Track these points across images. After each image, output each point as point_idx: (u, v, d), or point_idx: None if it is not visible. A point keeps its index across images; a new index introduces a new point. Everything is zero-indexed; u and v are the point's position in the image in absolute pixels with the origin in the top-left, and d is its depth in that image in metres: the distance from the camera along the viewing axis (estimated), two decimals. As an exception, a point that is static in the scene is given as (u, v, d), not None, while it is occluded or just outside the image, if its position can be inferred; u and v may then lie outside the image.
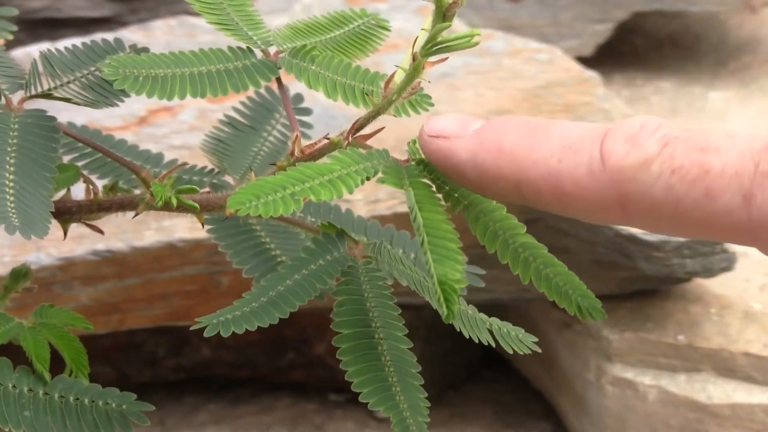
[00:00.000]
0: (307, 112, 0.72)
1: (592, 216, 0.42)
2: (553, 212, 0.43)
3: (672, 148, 0.39)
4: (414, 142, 0.54)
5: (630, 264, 1.51)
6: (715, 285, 1.60)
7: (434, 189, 0.51)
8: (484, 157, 0.43)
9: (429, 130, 0.45)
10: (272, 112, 0.73)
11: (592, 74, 1.74)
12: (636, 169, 0.39)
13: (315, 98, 0.68)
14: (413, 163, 0.53)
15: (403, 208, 1.47)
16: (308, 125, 0.70)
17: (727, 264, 1.51)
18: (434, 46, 0.51)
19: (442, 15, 0.52)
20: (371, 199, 1.50)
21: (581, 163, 0.40)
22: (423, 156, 0.50)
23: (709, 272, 1.52)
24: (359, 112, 0.58)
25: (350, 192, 0.50)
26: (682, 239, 1.48)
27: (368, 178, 0.52)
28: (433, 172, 0.52)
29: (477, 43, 0.51)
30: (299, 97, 0.73)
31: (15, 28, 0.67)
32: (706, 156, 0.38)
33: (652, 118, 0.41)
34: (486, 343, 0.58)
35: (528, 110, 1.68)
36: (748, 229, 0.37)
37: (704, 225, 0.38)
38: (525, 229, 0.52)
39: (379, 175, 0.52)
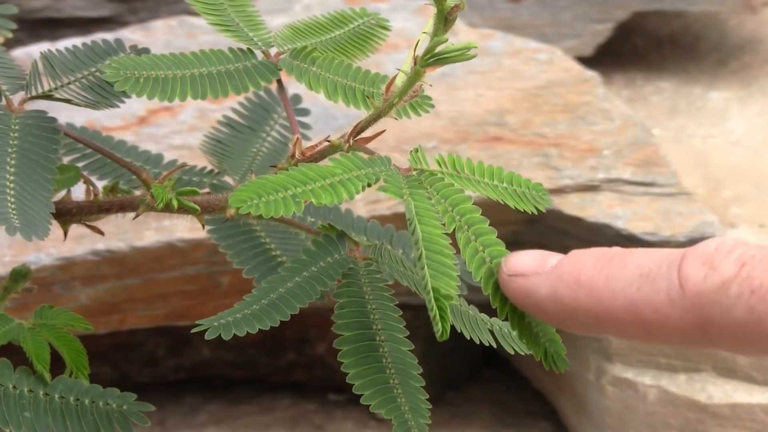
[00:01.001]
0: (306, 112, 0.72)
1: (675, 342, 0.42)
2: (637, 341, 0.43)
3: (750, 268, 0.39)
4: (416, 151, 0.54)
5: (630, 264, 1.51)
6: (715, 285, 1.60)
7: (433, 203, 0.52)
8: (564, 292, 0.43)
9: (508, 269, 0.46)
10: (270, 112, 0.73)
11: (592, 74, 1.74)
12: (715, 292, 0.39)
13: (315, 98, 0.68)
14: (414, 173, 0.53)
15: (403, 208, 1.47)
16: (307, 126, 0.70)
17: (727, 264, 1.51)
18: (432, 58, 0.52)
19: (444, 19, 0.52)
20: (371, 199, 1.50)
21: (660, 290, 0.41)
22: (505, 294, 0.49)
23: (709, 272, 1.52)
24: (359, 111, 0.58)
25: (351, 197, 0.50)
26: (681, 239, 1.48)
27: (369, 185, 0.52)
28: (433, 185, 0.53)
29: (474, 56, 0.52)
30: (297, 98, 0.73)
31: (14, 26, 0.67)
32: None
33: (727, 239, 0.41)
34: (487, 344, 0.58)
35: (528, 110, 1.68)
36: None
37: None
38: None
39: (381, 183, 0.52)
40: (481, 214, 0.52)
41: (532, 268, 0.45)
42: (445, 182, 0.53)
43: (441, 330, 0.47)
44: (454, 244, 0.50)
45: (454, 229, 0.51)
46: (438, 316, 0.47)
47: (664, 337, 0.41)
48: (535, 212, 0.55)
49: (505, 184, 0.55)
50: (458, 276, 0.64)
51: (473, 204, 0.52)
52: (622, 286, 0.42)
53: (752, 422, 1.50)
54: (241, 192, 0.49)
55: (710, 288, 0.39)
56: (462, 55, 0.52)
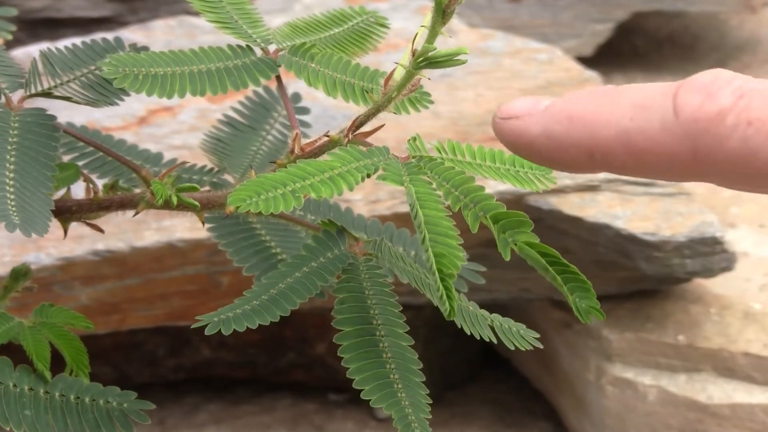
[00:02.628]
0: (305, 111, 0.72)
1: (665, 172, 0.41)
2: (627, 173, 0.43)
3: (748, 99, 0.38)
4: (414, 140, 0.54)
5: (630, 264, 1.51)
6: (715, 285, 1.60)
7: (434, 186, 0.51)
8: (556, 128, 0.43)
9: (501, 114, 0.45)
10: (270, 111, 0.73)
11: (592, 74, 1.75)
12: (710, 121, 0.39)
13: (315, 98, 0.68)
14: (413, 160, 0.53)
15: (403, 208, 1.47)
16: (306, 124, 0.70)
17: (727, 264, 1.51)
18: (424, 62, 0.52)
19: (442, 12, 0.52)
20: (371, 199, 1.50)
21: (654, 118, 0.40)
22: (498, 139, 0.49)
23: (709, 272, 1.52)
24: (359, 111, 0.58)
25: (350, 189, 0.50)
26: (681, 239, 1.48)
27: (369, 176, 0.52)
28: (433, 170, 0.52)
29: (465, 62, 0.52)
30: (297, 96, 0.73)
31: (14, 28, 0.67)
32: None
33: (725, 70, 0.40)
34: (487, 340, 0.58)
35: (528, 110, 1.68)
36: None
37: None
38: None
39: (380, 172, 0.52)
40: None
41: (525, 110, 0.45)
42: (446, 166, 0.53)
43: (449, 309, 0.47)
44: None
45: (460, 209, 0.51)
46: (445, 296, 0.47)
47: (655, 166, 0.41)
48: (540, 191, 0.55)
49: (507, 166, 0.55)
50: (458, 274, 0.64)
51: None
52: (615, 118, 0.41)
53: (752, 422, 1.50)
54: (240, 191, 0.49)
55: (706, 116, 0.39)
56: (452, 60, 0.52)
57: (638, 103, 0.41)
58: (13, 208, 0.54)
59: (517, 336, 0.59)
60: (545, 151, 0.43)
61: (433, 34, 0.53)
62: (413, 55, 0.53)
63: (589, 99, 0.42)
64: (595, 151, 0.42)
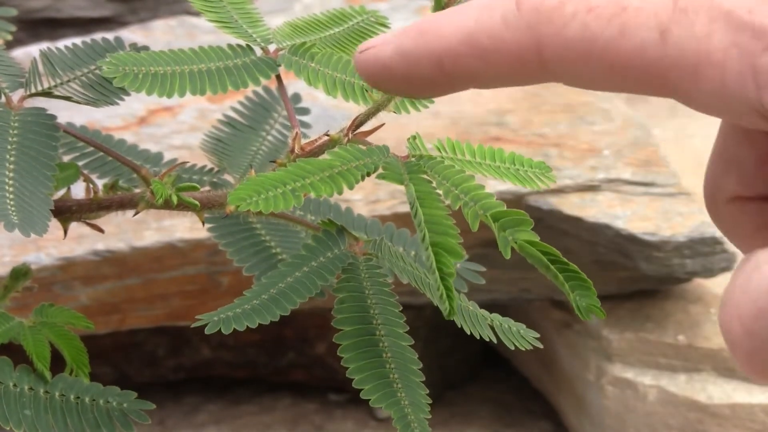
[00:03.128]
0: (305, 111, 0.72)
1: (514, 74, 0.40)
2: (479, 83, 0.41)
3: None
4: (414, 138, 0.54)
5: (630, 264, 1.51)
6: (715, 285, 1.60)
7: (434, 185, 0.51)
8: (407, 42, 0.42)
9: (359, 49, 0.45)
10: (270, 111, 0.73)
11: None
12: (552, 9, 0.37)
13: (315, 98, 0.68)
14: (414, 159, 0.53)
15: (403, 208, 1.48)
16: (306, 125, 0.70)
17: (727, 264, 1.51)
18: None
19: (442, 9, 0.52)
20: (371, 199, 1.50)
21: (497, 15, 0.39)
22: (361, 79, 0.48)
23: (709, 272, 1.52)
24: (359, 111, 0.58)
25: (350, 188, 0.50)
26: (681, 239, 1.48)
27: (368, 174, 0.52)
28: (433, 168, 0.52)
29: None
30: (297, 97, 0.73)
31: (14, 28, 0.67)
32: None
33: None
34: (487, 339, 0.58)
35: (528, 110, 1.68)
36: (662, 69, 0.36)
37: (619, 68, 0.36)
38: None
39: (380, 171, 0.52)
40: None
41: (380, 39, 0.44)
42: (446, 165, 0.53)
43: (448, 309, 0.47)
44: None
45: (460, 208, 0.51)
46: (445, 295, 0.47)
47: (502, 67, 0.39)
48: (540, 189, 0.55)
49: (507, 164, 0.55)
50: (458, 274, 0.64)
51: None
52: (462, 21, 0.40)
53: (752, 422, 1.50)
54: (240, 190, 0.49)
55: (547, 6, 0.37)
56: None
57: (485, 4, 0.40)
58: (13, 208, 0.54)
59: (517, 336, 0.59)
60: (399, 70, 0.42)
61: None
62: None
63: (442, 12, 0.41)
64: (444, 58, 0.40)
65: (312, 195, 0.49)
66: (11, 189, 0.55)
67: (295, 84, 0.64)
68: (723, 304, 0.35)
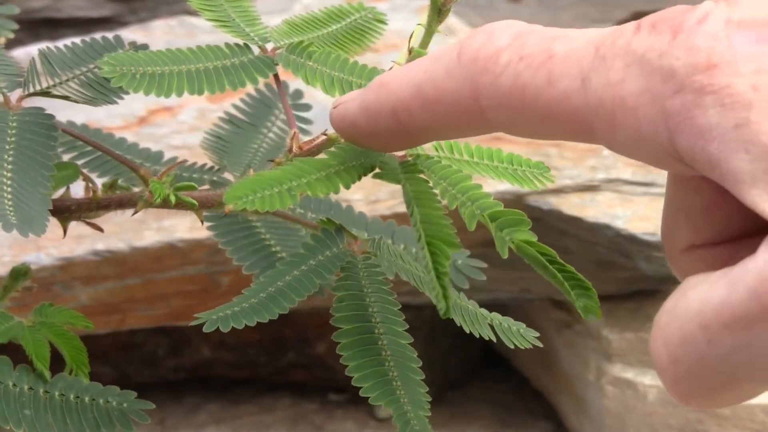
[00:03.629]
0: (307, 107, 0.72)
1: (458, 123, 0.40)
2: (433, 134, 0.42)
3: (524, 38, 0.38)
4: None
5: (630, 264, 1.51)
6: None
7: (431, 184, 0.51)
8: (369, 97, 0.42)
9: (332, 104, 0.45)
10: (271, 108, 0.73)
11: (591, 74, 1.74)
12: (487, 59, 0.38)
13: (314, 97, 0.68)
14: (410, 158, 0.53)
15: (404, 208, 1.47)
16: (308, 121, 0.70)
17: (727, 263, 1.51)
18: None
19: (438, 10, 0.52)
20: (371, 199, 1.50)
21: (441, 65, 0.39)
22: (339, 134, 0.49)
23: (709, 272, 1.52)
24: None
25: (347, 187, 0.50)
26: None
27: (365, 174, 0.52)
28: (430, 168, 0.52)
29: None
30: (298, 93, 0.73)
31: (16, 26, 0.67)
32: (554, 42, 0.37)
33: (516, 21, 0.39)
34: (487, 338, 0.58)
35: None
36: (584, 117, 0.36)
37: (547, 115, 0.36)
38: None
39: (376, 170, 0.52)
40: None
41: (350, 95, 0.44)
42: (443, 164, 0.53)
43: (444, 308, 0.47)
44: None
45: (457, 207, 0.51)
46: (441, 294, 0.47)
47: (448, 119, 0.40)
48: (538, 188, 0.55)
49: (504, 164, 0.55)
50: (460, 271, 0.64)
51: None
52: (413, 75, 0.40)
53: (752, 422, 1.50)
54: (236, 189, 0.49)
55: (483, 56, 0.38)
56: None
57: (434, 55, 0.40)
58: (11, 208, 0.54)
59: (517, 335, 0.59)
60: (364, 125, 0.43)
61: (429, 32, 0.53)
62: (410, 53, 0.53)
63: (403, 66, 0.42)
64: (399, 111, 0.41)
65: (308, 194, 0.49)
66: (9, 189, 0.55)
67: (296, 80, 0.64)
68: (653, 329, 0.35)
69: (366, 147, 0.46)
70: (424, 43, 0.54)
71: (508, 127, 0.39)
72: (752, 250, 0.32)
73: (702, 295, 0.33)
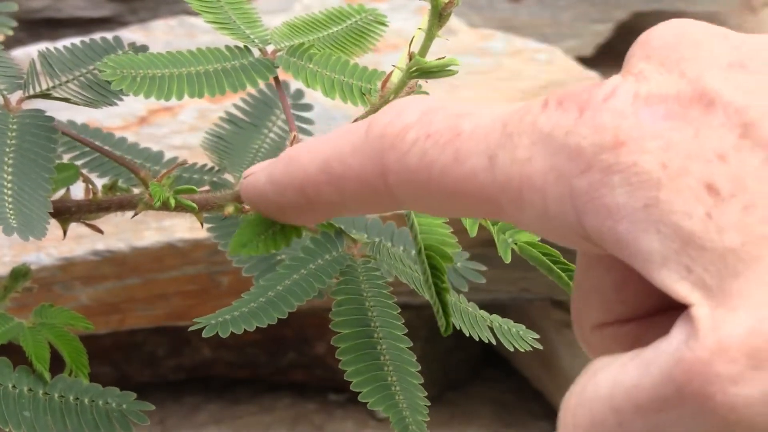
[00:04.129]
0: (308, 107, 0.72)
1: (365, 200, 0.39)
2: (341, 209, 0.41)
3: (432, 115, 0.37)
4: None
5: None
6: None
7: None
8: (277, 170, 0.42)
9: (243, 174, 0.45)
10: (272, 108, 0.73)
11: (592, 74, 1.74)
12: (394, 136, 0.37)
13: (314, 98, 0.68)
14: None
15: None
16: (309, 121, 0.70)
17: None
18: (416, 72, 0.53)
19: (438, 14, 0.52)
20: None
21: (349, 141, 0.38)
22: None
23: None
24: (358, 111, 0.58)
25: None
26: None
27: None
28: None
29: (456, 72, 0.52)
30: (299, 93, 0.73)
31: (15, 23, 0.67)
32: (462, 119, 0.36)
33: (426, 96, 0.39)
34: (486, 341, 0.58)
35: (528, 110, 1.68)
36: (492, 194, 0.35)
37: (455, 193, 0.36)
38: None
39: None
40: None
41: (260, 165, 0.44)
42: None
43: (445, 324, 0.47)
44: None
45: None
46: (441, 311, 0.47)
47: (354, 194, 0.39)
48: None
49: None
50: (459, 273, 0.64)
51: None
52: (321, 150, 0.40)
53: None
54: (239, 236, 0.49)
55: (390, 132, 0.37)
56: (444, 71, 0.52)
57: (343, 130, 0.39)
58: (11, 212, 0.54)
59: (517, 337, 0.59)
60: (272, 197, 0.42)
61: (429, 37, 0.53)
62: (410, 58, 0.53)
63: (311, 140, 0.41)
64: (306, 187, 0.40)
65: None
66: (9, 192, 0.55)
67: (297, 80, 0.64)
68: (561, 410, 0.34)
69: (275, 219, 0.46)
70: (425, 47, 0.54)
71: (416, 204, 0.38)
72: (664, 328, 0.32)
73: (612, 377, 0.32)
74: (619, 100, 0.33)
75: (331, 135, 0.40)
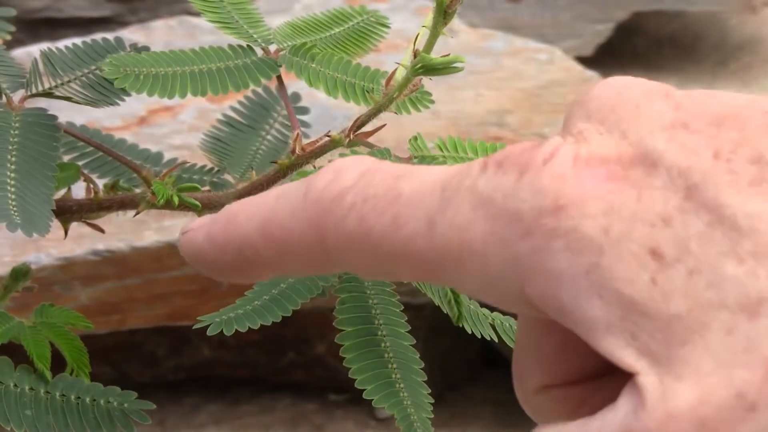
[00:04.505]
0: (305, 111, 0.72)
1: (304, 263, 0.38)
2: (281, 270, 0.40)
3: (370, 176, 0.35)
4: (415, 139, 0.54)
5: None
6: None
7: None
8: (215, 228, 0.40)
9: (181, 230, 0.44)
10: (270, 110, 0.73)
11: (592, 74, 1.75)
12: (332, 200, 0.35)
13: (315, 98, 0.68)
14: (415, 160, 0.53)
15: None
16: (306, 124, 0.70)
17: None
18: (421, 68, 0.53)
19: (443, 12, 0.52)
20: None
21: (287, 204, 0.37)
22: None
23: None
24: (360, 111, 0.58)
25: None
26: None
27: None
28: None
29: (461, 69, 0.52)
30: (296, 96, 0.73)
31: (13, 28, 0.67)
32: (400, 182, 0.35)
33: (367, 156, 0.37)
34: (489, 339, 0.58)
35: (528, 110, 1.68)
36: (432, 259, 0.34)
37: (394, 259, 0.35)
38: None
39: None
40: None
41: (200, 222, 0.43)
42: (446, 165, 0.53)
43: (457, 314, 0.47)
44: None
45: None
46: (453, 301, 0.47)
47: (292, 257, 0.38)
48: None
49: None
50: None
51: None
52: (260, 210, 0.38)
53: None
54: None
55: (328, 196, 0.36)
56: (449, 67, 0.52)
57: (282, 191, 0.38)
58: (15, 208, 0.54)
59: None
60: (209, 255, 0.41)
61: (434, 34, 0.53)
62: (415, 56, 0.53)
63: (249, 198, 0.40)
64: (244, 248, 0.39)
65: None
66: (13, 189, 0.55)
67: (295, 83, 0.64)
68: None
69: (213, 277, 0.45)
70: (429, 45, 0.54)
71: (356, 268, 0.37)
72: (611, 390, 0.31)
73: None
74: (559, 163, 0.31)
75: (270, 194, 0.39)
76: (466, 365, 1.85)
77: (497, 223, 0.32)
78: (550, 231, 0.31)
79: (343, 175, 0.36)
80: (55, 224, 0.59)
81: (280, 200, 0.38)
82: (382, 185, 0.35)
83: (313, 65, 0.61)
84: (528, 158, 0.32)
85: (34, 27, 2.25)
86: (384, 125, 0.57)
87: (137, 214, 0.61)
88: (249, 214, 0.39)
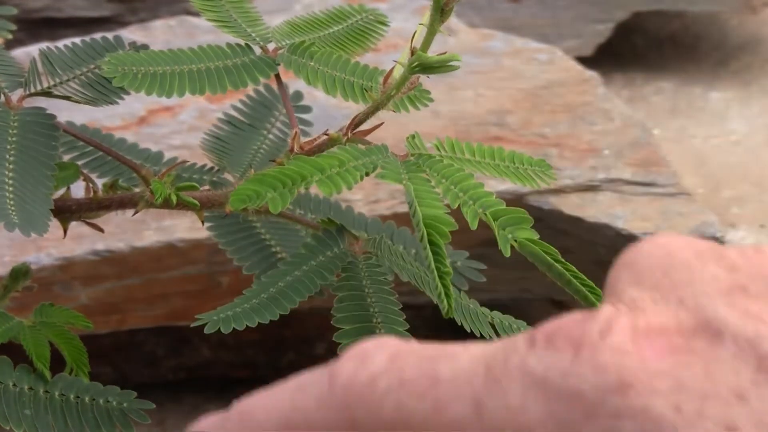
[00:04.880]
0: (307, 109, 0.72)
1: None
2: None
3: (402, 360, 0.34)
4: (413, 137, 0.54)
5: (630, 264, 1.51)
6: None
7: (433, 184, 0.51)
8: (230, 427, 0.38)
9: (188, 428, 0.42)
10: (271, 110, 0.73)
11: (592, 74, 1.74)
12: (363, 387, 0.33)
13: (314, 98, 0.68)
14: (412, 158, 0.53)
15: (403, 208, 1.48)
16: (308, 123, 0.70)
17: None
18: (418, 66, 0.52)
19: (440, 10, 0.52)
20: (371, 199, 1.50)
21: (311, 395, 0.35)
22: None
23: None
24: (359, 109, 0.58)
25: (349, 188, 0.50)
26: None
27: (368, 174, 0.52)
28: (432, 167, 0.52)
29: (457, 68, 0.52)
30: (298, 95, 0.73)
31: (14, 27, 0.67)
32: (437, 363, 0.33)
33: (390, 338, 0.35)
34: (488, 337, 0.58)
35: (528, 110, 1.68)
36: None
37: None
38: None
39: (379, 170, 0.52)
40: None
41: (209, 423, 0.39)
42: (445, 164, 0.53)
43: (447, 307, 0.47)
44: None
45: (459, 206, 0.50)
46: (443, 294, 0.47)
47: None
48: (540, 187, 0.55)
49: (506, 163, 0.55)
50: (459, 272, 0.64)
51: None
52: (277, 405, 0.36)
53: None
54: (240, 191, 0.49)
55: (358, 382, 0.34)
56: (445, 66, 0.52)
57: (301, 382, 0.36)
58: (13, 208, 0.54)
59: (517, 333, 0.59)
60: None
61: (431, 32, 0.53)
62: (412, 54, 0.53)
63: (261, 394, 0.38)
64: None
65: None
66: (11, 189, 0.55)
67: (297, 82, 0.64)
68: None
69: None
70: (427, 42, 0.54)
71: None
72: None
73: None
74: (617, 336, 0.30)
75: (288, 387, 0.37)
76: (466, 365, 1.84)
77: (557, 404, 0.30)
78: (618, 411, 0.29)
79: (371, 359, 0.34)
80: (55, 224, 0.59)
81: (302, 391, 0.35)
82: (418, 368, 0.33)
83: (312, 63, 0.61)
84: (582, 332, 0.31)
85: (33, 27, 2.25)
86: (382, 123, 0.57)
87: (136, 213, 0.61)
88: (268, 410, 0.36)
